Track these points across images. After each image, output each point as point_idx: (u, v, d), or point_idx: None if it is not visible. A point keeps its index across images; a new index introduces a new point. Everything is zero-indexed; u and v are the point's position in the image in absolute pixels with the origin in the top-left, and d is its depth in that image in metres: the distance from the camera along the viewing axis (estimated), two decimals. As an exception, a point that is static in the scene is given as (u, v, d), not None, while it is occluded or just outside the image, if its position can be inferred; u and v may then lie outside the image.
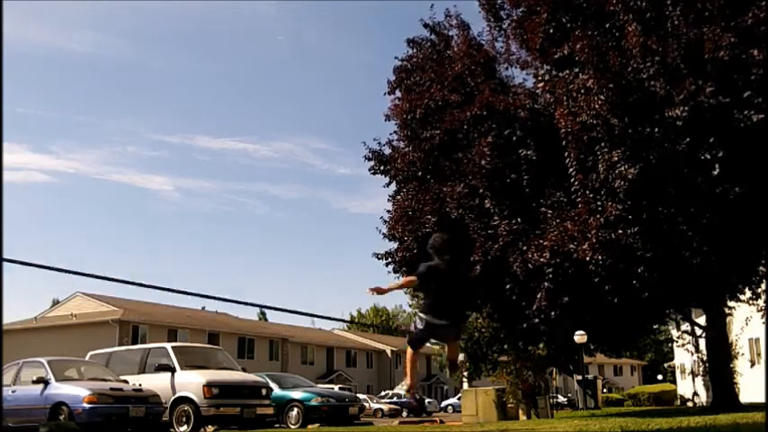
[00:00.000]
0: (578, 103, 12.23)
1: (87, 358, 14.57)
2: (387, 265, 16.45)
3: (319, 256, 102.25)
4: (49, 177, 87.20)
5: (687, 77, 11.20)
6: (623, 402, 36.57)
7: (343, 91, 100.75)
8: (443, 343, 6.05)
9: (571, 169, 12.55)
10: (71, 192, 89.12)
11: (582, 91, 12.19)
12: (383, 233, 16.60)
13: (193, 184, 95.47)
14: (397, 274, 16.63)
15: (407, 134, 16.12)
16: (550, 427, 9.51)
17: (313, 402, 15.58)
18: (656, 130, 11.54)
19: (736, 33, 10.79)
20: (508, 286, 14.10)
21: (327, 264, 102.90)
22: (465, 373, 23.20)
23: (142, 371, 13.32)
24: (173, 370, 12.67)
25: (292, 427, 15.22)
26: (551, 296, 13.13)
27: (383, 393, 42.52)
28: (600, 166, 12.01)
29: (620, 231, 11.79)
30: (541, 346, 17.68)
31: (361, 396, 29.54)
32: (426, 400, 41.95)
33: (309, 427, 14.59)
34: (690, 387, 31.85)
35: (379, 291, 5.27)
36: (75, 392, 10.99)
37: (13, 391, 11.67)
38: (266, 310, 71.03)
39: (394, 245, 16.35)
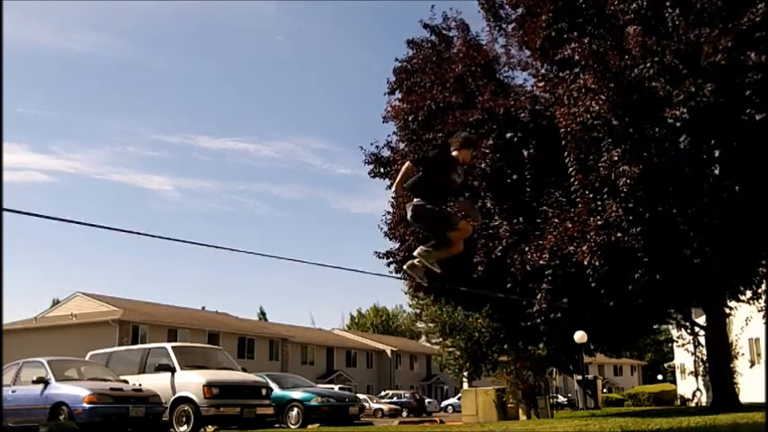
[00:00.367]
0: (579, 103, 12.24)
1: (87, 358, 14.57)
2: (388, 264, 16.49)
3: (319, 256, 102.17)
4: (50, 177, 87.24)
5: (687, 77, 11.20)
6: (623, 402, 36.58)
7: (343, 91, 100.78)
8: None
9: (571, 169, 12.56)
10: (71, 192, 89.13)
11: (582, 91, 12.20)
12: (384, 232, 16.63)
13: (193, 184, 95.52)
14: (399, 274, 16.66)
15: (408, 136, 16.12)
16: (550, 427, 9.51)
17: (313, 402, 15.58)
18: (657, 129, 11.55)
19: (734, 36, 10.79)
20: (509, 286, 14.11)
21: (328, 264, 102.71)
22: (465, 374, 23.20)
23: (142, 371, 13.31)
24: (173, 370, 12.67)
25: (292, 427, 15.21)
26: (551, 297, 13.14)
27: (383, 393, 42.52)
28: (600, 166, 12.01)
29: (619, 234, 11.80)
30: (541, 346, 17.69)
31: (361, 396, 29.54)
32: (426, 400, 41.97)
33: (309, 427, 14.58)
34: (690, 387, 31.86)
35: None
36: (75, 392, 10.99)
37: (13, 391, 11.67)
38: (266, 311, 71.25)
39: (395, 244, 16.37)
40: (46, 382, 11.35)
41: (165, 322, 36.39)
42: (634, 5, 12.02)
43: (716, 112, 11.03)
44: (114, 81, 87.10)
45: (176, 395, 12.30)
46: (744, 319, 18.85)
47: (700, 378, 22.39)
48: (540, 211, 13.54)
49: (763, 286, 14.95)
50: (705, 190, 11.50)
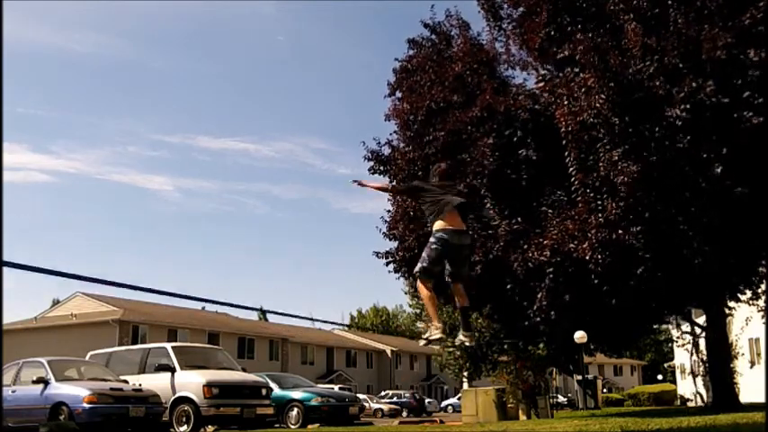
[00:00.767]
0: (579, 102, 12.23)
1: (87, 358, 14.57)
2: (387, 264, 16.49)
3: (319, 256, 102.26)
4: (50, 177, 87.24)
5: (687, 76, 11.20)
6: (623, 402, 36.59)
7: (343, 91, 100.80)
8: (458, 261, 5.33)
9: (571, 169, 12.56)
10: (71, 192, 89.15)
11: (582, 90, 12.20)
12: (383, 232, 16.63)
13: (193, 184, 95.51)
14: (398, 274, 16.68)
15: (408, 135, 16.12)
16: (550, 427, 9.50)
17: (313, 402, 15.59)
18: (657, 129, 11.54)
19: (734, 33, 10.79)
20: (509, 286, 14.11)
21: (328, 264, 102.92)
22: (465, 374, 23.20)
23: (142, 371, 13.31)
24: (173, 370, 12.67)
25: (292, 427, 15.22)
26: (552, 295, 13.13)
27: (383, 393, 42.52)
28: (600, 165, 12.01)
29: (620, 231, 11.80)
30: (541, 346, 17.68)
31: (361, 396, 29.54)
32: (426, 400, 41.97)
33: (309, 427, 14.59)
34: (690, 387, 31.87)
35: (360, 183, 5.59)
36: (75, 392, 10.99)
37: (13, 391, 11.67)
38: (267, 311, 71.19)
39: (394, 244, 16.37)
40: (46, 382, 11.36)
41: (165, 322, 36.40)
42: (634, 3, 12.00)
43: (716, 112, 11.02)
44: (114, 81, 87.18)
45: (176, 395, 12.31)
46: (744, 319, 18.86)
47: (700, 378, 22.38)
48: (540, 211, 13.54)
49: (763, 286, 14.95)
50: (705, 190, 11.50)
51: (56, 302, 43.46)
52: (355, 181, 5.62)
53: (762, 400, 15.85)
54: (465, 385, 27.36)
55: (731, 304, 16.48)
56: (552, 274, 12.90)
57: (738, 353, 19.28)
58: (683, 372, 37.23)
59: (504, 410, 17.13)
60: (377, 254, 16.65)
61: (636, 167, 11.39)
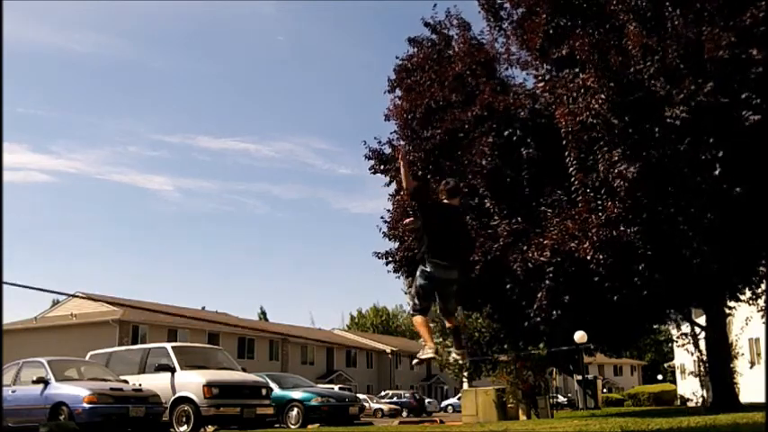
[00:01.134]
0: (578, 102, 12.23)
1: (87, 358, 14.56)
2: (387, 264, 16.48)
3: (319, 256, 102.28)
4: (50, 177, 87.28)
5: (687, 77, 11.19)
6: (623, 402, 36.59)
7: (343, 91, 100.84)
8: (444, 296, 5.53)
9: (571, 168, 12.56)
10: (71, 192, 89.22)
11: (582, 90, 12.19)
12: (383, 232, 16.63)
13: (193, 184, 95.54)
14: (398, 274, 16.68)
15: (408, 134, 16.13)
16: (550, 427, 9.50)
17: (313, 402, 15.58)
18: (657, 129, 11.54)
19: (736, 33, 10.79)
20: (508, 286, 14.10)
21: (328, 264, 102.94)
22: (465, 374, 23.19)
23: (142, 371, 13.31)
24: (173, 370, 12.66)
25: (292, 427, 15.21)
26: (552, 295, 13.13)
27: (383, 393, 42.51)
28: (600, 165, 12.01)
29: (621, 229, 11.80)
30: (541, 346, 17.67)
31: (361, 396, 29.54)
32: (426, 400, 41.96)
33: (309, 427, 14.58)
34: (689, 387, 31.86)
35: (398, 155, 6.02)
36: (76, 392, 10.98)
37: (13, 391, 11.66)
38: (267, 311, 71.31)
39: (394, 244, 16.37)
40: (46, 382, 11.35)
41: (165, 322, 36.38)
42: (633, 4, 12.00)
43: (716, 112, 11.02)
44: (114, 81, 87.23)
45: (176, 395, 12.30)
46: (744, 319, 18.84)
47: (700, 378, 22.38)
48: (540, 211, 13.54)
49: (763, 286, 14.94)
50: (705, 190, 11.49)
51: (56, 302, 43.44)
52: (398, 149, 5.89)
53: (762, 400, 15.84)
54: (465, 385, 27.35)
55: (731, 304, 16.47)
56: (552, 274, 12.90)
57: (738, 353, 19.27)
58: (683, 372, 37.25)
59: (504, 410, 17.13)
60: (377, 254, 16.66)
61: (635, 168, 11.39)
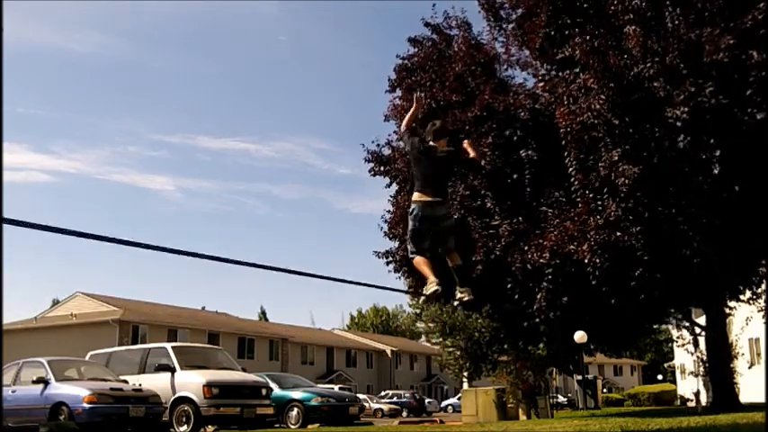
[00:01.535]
0: (579, 102, 12.23)
1: (87, 358, 14.56)
2: (387, 263, 16.49)
3: (319, 255, 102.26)
4: (50, 177, 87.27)
5: (687, 78, 11.19)
6: (623, 402, 36.59)
7: (343, 91, 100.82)
8: (439, 235, 5.46)
9: (571, 169, 12.56)
10: (72, 192, 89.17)
11: (582, 91, 12.19)
12: (384, 232, 16.64)
13: (194, 184, 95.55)
14: (398, 274, 16.68)
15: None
16: (550, 427, 9.50)
17: (313, 402, 15.58)
18: (657, 129, 11.54)
19: (736, 35, 10.78)
20: (509, 286, 14.11)
21: (328, 264, 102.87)
22: (465, 373, 23.20)
23: (142, 371, 13.31)
24: (173, 370, 12.67)
25: (292, 427, 15.21)
26: (551, 296, 13.14)
27: (383, 393, 42.53)
28: (600, 165, 12.01)
29: (619, 234, 11.79)
30: (541, 346, 17.68)
31: (361, 396, 29.55)
32: (426, 400, 41.97)
33: (309, 427, 14.58)
34: (689, 387, 31.88)
35: (416, 103, 5.82)
36: (76, 392, 10.98)
37: (13, 391, 11.66)
38: (267, 311, 71.31)
39: (395, 244, 16.37)
40: (46, 382, 11.35)
41: (165, 322, 36.40)
42: (634, 4, 12.00)
43: (716, 113, 11.02)
44: (114, 81, 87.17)
45: (176, 395, 12.30)
46: (744, 320, 18.86)
47: (700, 378, 22.39)
48: (540, 211, 13.54)
49: (763, 286, 14.95)
50: (705, 190, 11.49)
51: (56, 302, 43.46)
52: (418, 99, 5.91)
53: (762, 400, 15.86)
54: (465, 385, 27.38)
55: (731, 304, 16.49)
56: (551, 275, 12.91)
57: (738, 353, 19.29)
58: (683, 372, 37.27)
59: (504, 410, 17.14)
60: (377, 254, 16.67)
61: (636, 168, 11.39)
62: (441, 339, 22.28)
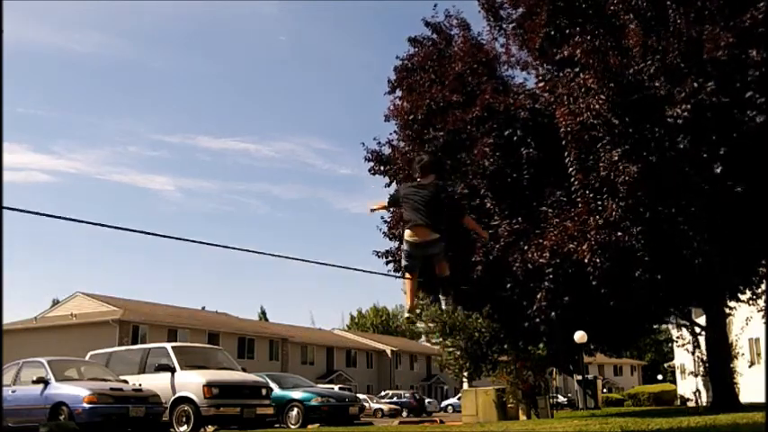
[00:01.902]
0: (579, 102, 12.22)
1: (87, 358, 14.56)
2: (387, 263, 16.48)
3: (319, 255, 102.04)
4: (51, 177, 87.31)
5: (687, 76, 11.18)
6: (623, 402, 36.59)
7: (343, 91, 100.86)
8: (431, 261, 5.57)
9: (571, 169, 12.55)
10: (72, 192, 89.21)
11: (582, 90, 12.18)
12: (384, 232, 16.63)
13: (194, 184, 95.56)
14: (398, 274, 16.66)
15: (409, 134, 16.12)
16: (550, 427, 9.50)
17: (313, 402, 15.57)
18: (657, 129, 11.53)
19: (735, 34, 10.78)
20: (509, 286, 14.10)
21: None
22: (465, 373, 23.20)
23: (142, 371, 13.30)
24: (173, 370, 12.66)
25: (292, 427, 15.21)
26: (551, 296, 13.13)
27: (383, 393, 42.52)
28: (600, 165, 12.00)
29: (619, 234, 11.78)
30: (541, 346, 17.67)
31: (361, 396, 29.55)
32: (426, 400, 41.96)
33: (309, 427, 14.58)
34: (689, 387, 31.88)
35: (372, 210, 6.02)
36: (76, 392, 10.98)
37: (13, 391, 11.66)
38: (267, 311, 71.29)
39: (395, 244, 16.37)
40: (46, 382, 11.34)
41: (165, 322, 36.39)
42: (634, 3, 11.99)
43: (717, 112, 11.01)
44: (114, 81, 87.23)
45: (176, 395, 12.29)
46: (744, 319, 18.85)
47: (700, 378, 22.39)
48: (540, 211, 13.53)
49: (763, 286, 14.94)
50: (705, 190, 11.49)
51: (56, 302, 43.46)
52: (372, 210, 6.06)
53: (762, 400, 15.85)
54: (465, 385, 27.34)
55: (731, 304, 16.48)
56: (551, 275, 12.90)
57: (738, 353, 19.28)
58: (683, 372, 37.25)
59: (504, 410, 17.14)
60: (377, 254, 16.66)
61: (636, 167, 11.38)
62: (441, 339, 22.25)
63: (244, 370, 14.49)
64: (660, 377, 56.23)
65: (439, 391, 57.33)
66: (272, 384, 15.39)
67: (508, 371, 17.93)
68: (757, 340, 22.12)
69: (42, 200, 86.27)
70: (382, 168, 16.73)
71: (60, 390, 11.19)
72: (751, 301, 15.93)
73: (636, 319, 15.57)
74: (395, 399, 38.66)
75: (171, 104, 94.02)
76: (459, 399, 26.83)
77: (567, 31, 13.20)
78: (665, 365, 50.30)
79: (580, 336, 16.88)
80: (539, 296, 13.26)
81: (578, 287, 12.92)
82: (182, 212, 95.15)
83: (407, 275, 5.54)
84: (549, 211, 13.29)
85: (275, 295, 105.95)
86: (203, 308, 50.12)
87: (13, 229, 74.11)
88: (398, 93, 16.76)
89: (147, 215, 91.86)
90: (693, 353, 18.80)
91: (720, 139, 11.11)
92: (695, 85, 10.99)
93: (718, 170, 11.06)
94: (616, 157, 11.67)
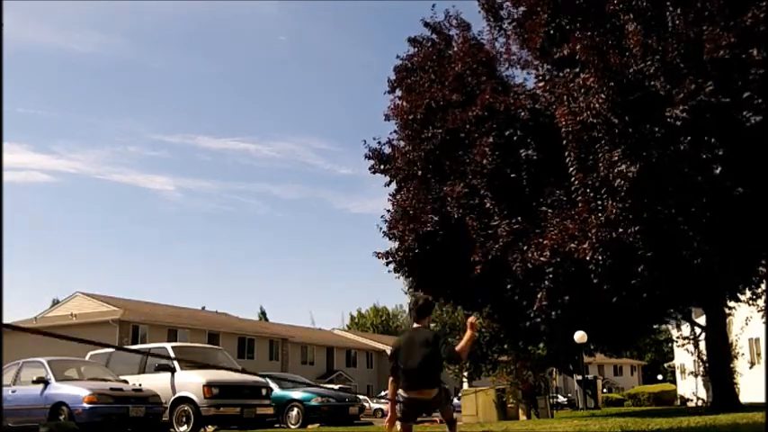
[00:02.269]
0: (579, 102, 12.21)
1: (87, 358, 14.56)
2: (387, 264, 16.46)
3: (319, 255, 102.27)
4: (51, 177, 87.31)
5: (687, 76, 11.17)
6: (623, 402, 36.60)
7: (343, 91, 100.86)
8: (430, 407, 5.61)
9: (571, 168, 12.54)
10: (72, 192, 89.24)
11: (582, 90, 12.17)
12: (383, 232, 16.61)
13: (194, 184, 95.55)
14: (398, 274, 16.67)
15: (408, 134, 16.13)
16: (550, 427, 9.50)
17: (313, 402, 15.58)
18: (657, 128, 11.52)
19: (736, 33, 10.77)
20: (509, 286, 14.09)
21: (328, 264, 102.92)
22: (465, 374, 23.21)
23: (142, 371, 13.30)
24: (173, 370, 12.66)
25: (292, 427, 15.21)
26: (552, 295, 13.12)
27: (383, 393, 42.47)
28: (600, 165, 11.99)
29: (620, 230, 11.78)
30: (541, 346, 17.67)
31: (361, 396, 29.54)
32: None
33: (309, 427, 14.58)
34: (689, 387, 31.87)
35: (389, 399, 5.38)
36: (76, 392, 10.98)
37: (13, 391, 11.67)
38: (267, 311, 71.28)
39: (394, 244, 16.35)
40: (46, 382, 11.35)
41: (165, 322, 36.38)
42: (634, 3, 11.99)
43: (717, 112, 11.01)
44: (114, 81, 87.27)
45: (176, 395, 12.29)
46: (744, 319, 18.85)
47: (700, 378, 22.38)
48: (540, 211, 13.52)
49: (763, 286, 14.92)
50: (705, 190, 11.48)
51: (56, 302, 43.46)
52: (390, 401, 5.52)
53: (762, 400, 15.85)
54: (465, 385, 27.35)
55: (731, 304, 16.46)
56: (552, 274, 12.89)
57: (738, 353, 19.28)
58: (683, 372, 37.24)
59: (504, 410, 17.14)
60: (377, 254, 16.65)
61: (636, 167, 11.38)
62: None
63: (243, 370, 14.48)
64: (660, 377, 56.21)
65: (439, 391, 57.30)
66: (272, 384, 15.40)
67: (508, 371, 17.94)
68: (757, 340, 22.11)
69: (42, 200, 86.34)
70: (382, 167, 16.74)
71: (60, 390, 11.20)
72: (751, 301, 15.91)
73: (636, 318, 15.55)
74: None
75: (171, 104, 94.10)
76: (459, 399, 26.82)
77: (568, 30, 13.19)
78: (665, 365, 50.28)
79: (580, 336, 16.88)
80: (539, 296, 13.25)
81: (578, 287, 12.91)
82: (182, 212, 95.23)
83: (404, 424, 5.31)
84: (549, 210, 13.28)
85: (275, 295, 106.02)
86: (203, 308, 50.15)
87: (14, 229, 74.12)
88: (398, 92, 16.77)
89: (147, 215, 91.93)
90: (693, 353, 18.79)
91: (720, 140, 11.10)
92: (693, 87, 10.98)
93: (718, 170, 11.05)
94: (616, 157, 11.66)
